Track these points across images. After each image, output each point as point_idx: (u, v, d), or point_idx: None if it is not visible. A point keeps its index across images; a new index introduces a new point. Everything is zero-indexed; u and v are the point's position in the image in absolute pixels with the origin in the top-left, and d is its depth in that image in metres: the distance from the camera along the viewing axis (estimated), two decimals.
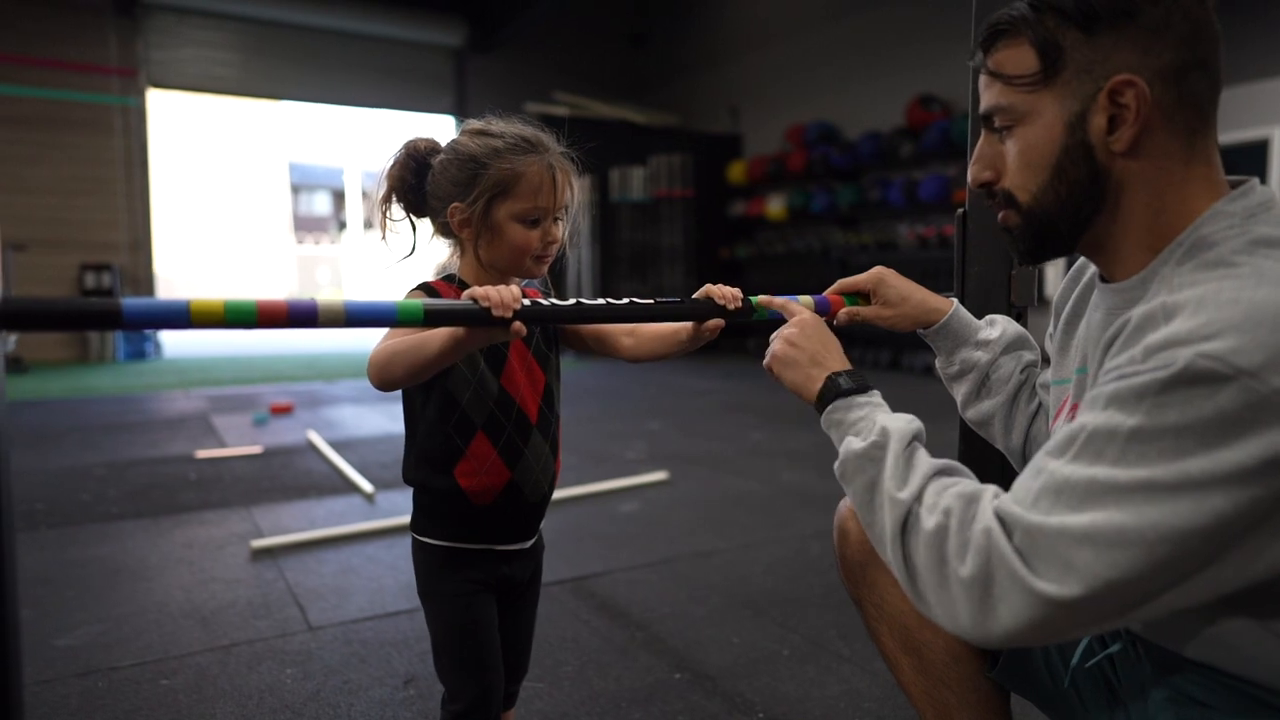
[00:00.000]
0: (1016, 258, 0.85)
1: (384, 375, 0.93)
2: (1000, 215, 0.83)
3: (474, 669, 1.06)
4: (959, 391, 1.11)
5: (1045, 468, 0.66)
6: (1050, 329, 0.99)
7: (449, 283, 1.09)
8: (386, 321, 0.86)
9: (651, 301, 1.02)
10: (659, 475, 3.45)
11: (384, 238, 1.14)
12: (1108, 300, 0.80)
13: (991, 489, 0.71)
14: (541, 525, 1.18)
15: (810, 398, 0.92)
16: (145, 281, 9.23)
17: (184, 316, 0.77)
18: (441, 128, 11.17)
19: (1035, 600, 0.62)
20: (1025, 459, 1.08)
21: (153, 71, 9.37)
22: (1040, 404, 1.06)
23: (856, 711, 1.58)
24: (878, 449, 0.81)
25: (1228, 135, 6.11)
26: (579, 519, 2.88)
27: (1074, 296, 0.93)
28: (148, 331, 8.89)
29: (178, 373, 7.74)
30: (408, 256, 1.16)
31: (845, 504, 1.01)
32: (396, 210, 1.14)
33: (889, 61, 8.32)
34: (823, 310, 1.15)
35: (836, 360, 0.93)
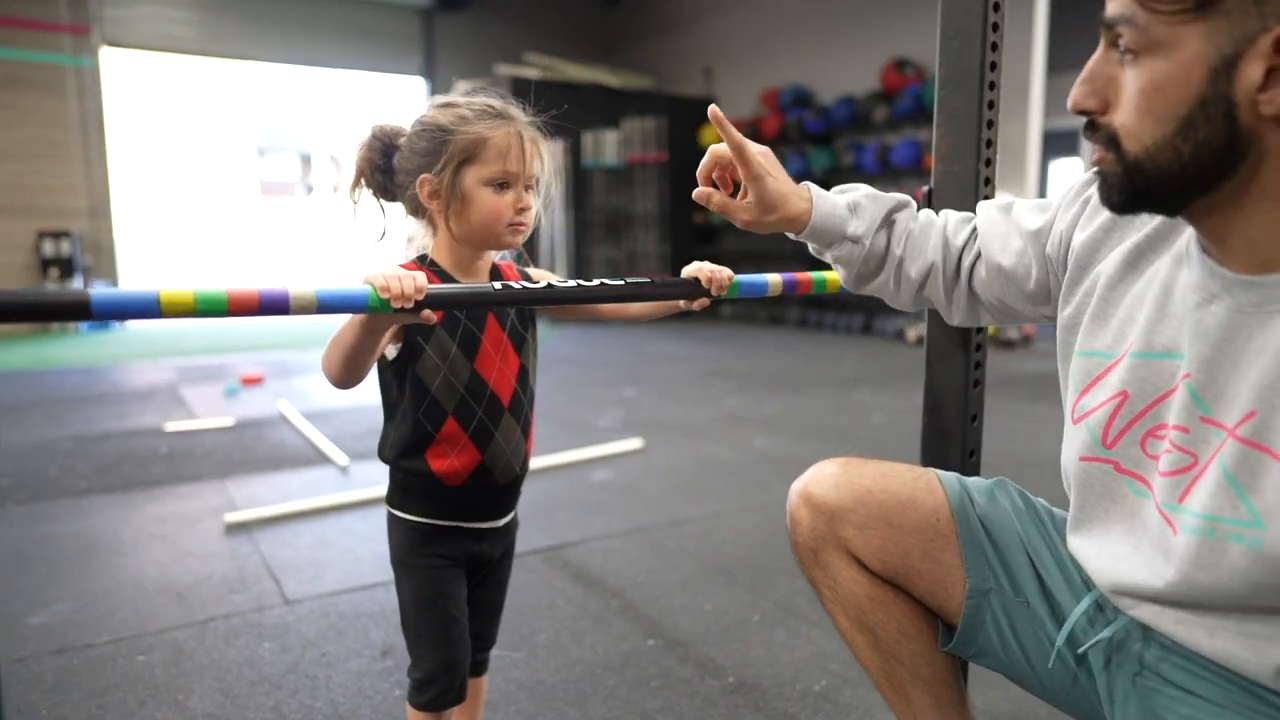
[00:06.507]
0: (1103, 201, 0.72)
1: (327, 371, 1.00)
2: (1096, 154, 0.70)
3: (437, 641, 1.08)
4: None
5: None
6: (1062, 274, 0.90)
7: (421, 264, 1.10)
8: (358, 308, 0.87)
9: (624, 282, 1.03)
10: (634, 443, 3.48)
11: (353, 223, 1.15)
12: (1237, 294, 0.68)
13: None
14: (517, 505, 1.20)
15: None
16: (107, 249, 9.02)
17: (154, 307, 0.77)
18: (410, 89, 10.96)
19: None
20: (918, 300, 1.09)
21: (106, 30, 9.05)
22: (930, 255, 1.04)
23: (823, 673, 1.63)
24: None
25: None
26: (553, 488, 2.91)
27: (1117, 255, 0.81)
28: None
29: (145, 343, 7.62)
30: (379, 241, 1.16)
31: (795, 492, 1.01)
32: (366, 195, 1.14)
33: (864, 24, 8.27)
34: (790, 288, 1.16)
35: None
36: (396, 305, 0.86)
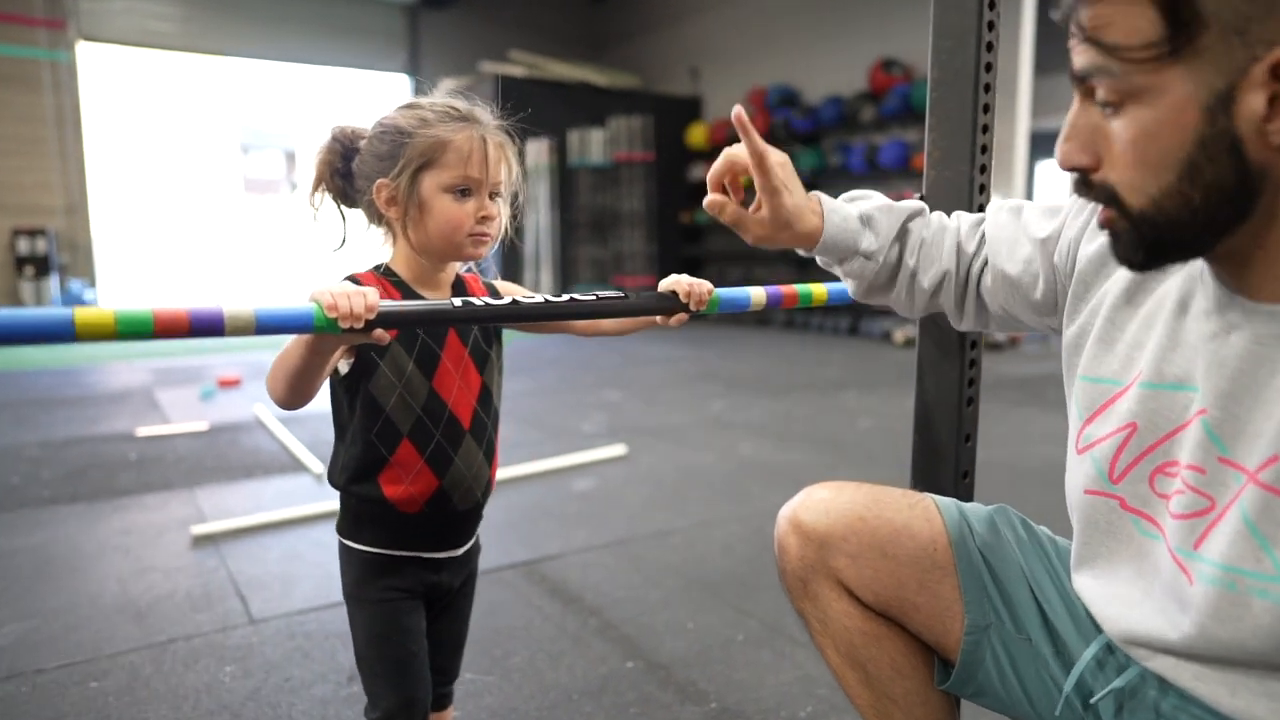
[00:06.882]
0: (1121, 262, 0.66)
1: (271, 392, 0.92)
2: (1102, 215, 0.64)
3: (394, 679, 1.01)
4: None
5: None
6: (1069, 286, 0.84)
7: (378, 275, 1.03)
8: (303, 328, 0.80)
9: (595, 297, 0.96)
10: (617, 450, 3.41)
11: (313, 228, 1.08)
12: (1258, 325, 0.63)
13: None
14: (478, 530, 1.13)
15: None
16: (83, 247, 8.88)
17: (68, 330, 0.69)
18: (394, 87, 10.85)
19: None
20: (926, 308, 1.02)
21: (83, 24, 8.90)
22: (945, 266, 0.98)
23: (809, 698, 1.57)
24: None
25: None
26: (534, 497, 2.84)
27: (1124, 274, 0.76)
28: (89, 298, 8.60)
29: (120, 343, 7.46)
30: (338, 249, 1.10)
31: (784, 517, 0.95)
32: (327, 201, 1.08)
33: (851, 24, 8.23)
34: (774, 302, 1.10)
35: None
36: (345, 325, 0.79)
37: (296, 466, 3.23)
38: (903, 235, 1.00)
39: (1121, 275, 0.77)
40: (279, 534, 2.47)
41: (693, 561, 2.26)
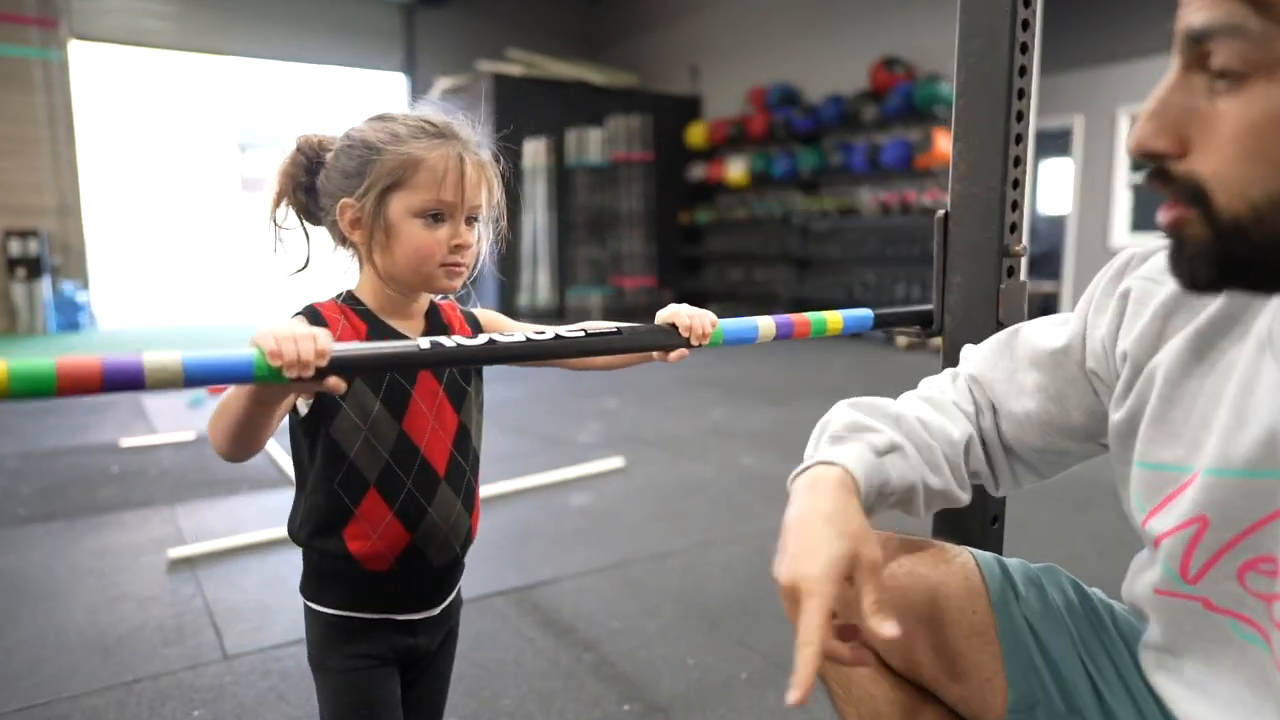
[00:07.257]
0: (1179, 276, 0.54)
1: (213, 443, 0.82)
2: (1170, 214, 0.52)
3: None
4: (912, 514, 0.84)
5: None
6: (1114, 384, 0.72)
7: (340, 304, 0.92)
8: (242, 378, 0.69)
9: (584, 333, 0.85)
10: (614, 462, 3.30)
11: (275, 249, 0.97)
12: None
13: None
14: (459, 584, 1.02)
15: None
16: (76, 248, 8.76)
17: None
18: (390, 85, 10.73)
19: None
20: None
21: (75, 23, 8.77)
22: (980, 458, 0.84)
23: None
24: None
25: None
26: (529, 514, 2.73)
27: (1177, 344, 0.66)
28: (81, 300, 8.48)
29: (113, 346, 7.37)
30: (300, 271, 0.99)
31: None
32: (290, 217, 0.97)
33: (852, 21, 8.11)
34: (785, 333, 1.00)
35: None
36: (291, 374, 0.68)
37: (283, 480, 3.12)
38: (898, 420, 0.81)
39: (1173, 347, 0.66)
40: (260, 556, 2.36)
41: (692, 586, 2.15)
